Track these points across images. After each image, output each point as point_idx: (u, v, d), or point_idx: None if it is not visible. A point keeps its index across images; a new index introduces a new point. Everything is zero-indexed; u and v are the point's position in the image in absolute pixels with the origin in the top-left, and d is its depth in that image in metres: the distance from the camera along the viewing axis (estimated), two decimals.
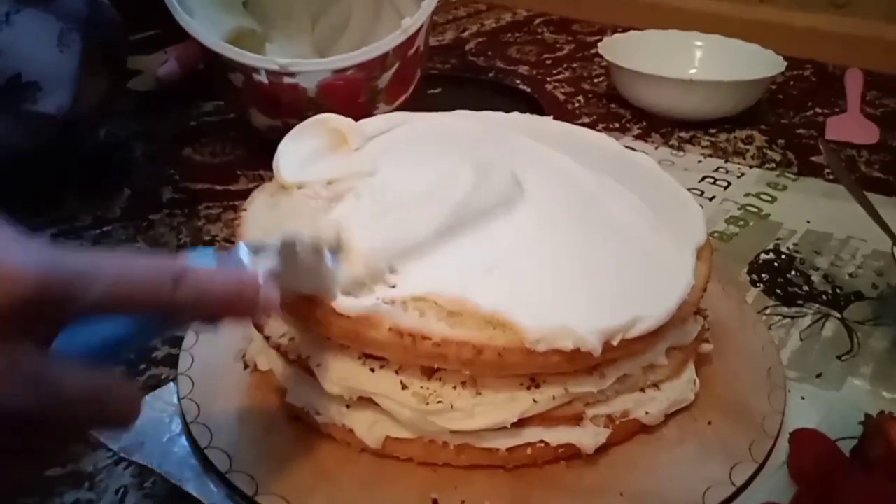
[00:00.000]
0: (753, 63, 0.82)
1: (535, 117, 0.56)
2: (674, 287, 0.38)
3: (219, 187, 0.68)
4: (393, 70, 0.68)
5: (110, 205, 0.64)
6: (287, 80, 0.65)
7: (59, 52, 0.61)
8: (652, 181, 0.48)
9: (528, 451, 0.37)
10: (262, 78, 0.65)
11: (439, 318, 0.34)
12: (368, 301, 0.34)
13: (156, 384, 0.44)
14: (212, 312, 0.30)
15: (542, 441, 0.37)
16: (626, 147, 0.53)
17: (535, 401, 0.36)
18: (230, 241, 0.59)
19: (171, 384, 0.44)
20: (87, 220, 0.62)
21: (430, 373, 0.36)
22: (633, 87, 0.82)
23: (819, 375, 0.46)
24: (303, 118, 0.67)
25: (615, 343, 0.35)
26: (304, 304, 0.35)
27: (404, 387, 0.36)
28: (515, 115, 0.56)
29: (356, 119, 0.67)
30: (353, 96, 0.68)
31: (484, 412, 0.36)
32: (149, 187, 0.67)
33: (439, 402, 0.35)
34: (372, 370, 0.36)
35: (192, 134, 0.78)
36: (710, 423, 0.41)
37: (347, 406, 0.38)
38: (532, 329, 0.33)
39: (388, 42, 0.66)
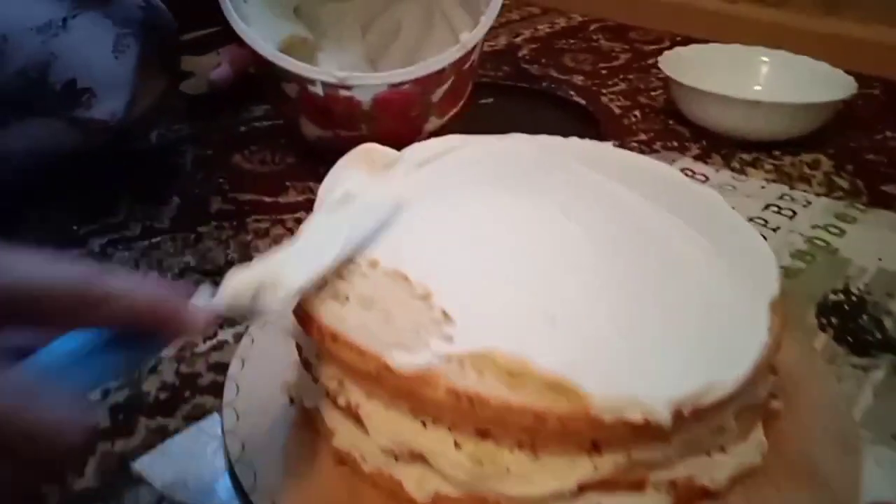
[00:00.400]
0: (822, 83, 0.78)
1: (596, 144, 0.54)
2: (748, 347, 0.36)
3: (267, 199, 0.67)
4: (447, 84, 0.66)
5: (160, 214, 0.63)
6: (342, 92, 0.63)
7: (114, 58, 0.60)
8: (721, 221, 0.45)
9: None
10: (318, 90, 0.64)
11: (499, 378, 0.33)
12: (424, 358, 0.33)
13: (200, 414, 0.43)
14: (133, 322, 0.29)
15: None
16: (686, 171, 0.50)
17: (595, 467, 0.34)
18: None
19: (216, 415, 0.43)
20: (137, 230, 0.61)
21: (485, 432, 0.34)
22: (695, 104, 0.78)
23: (895, 436, 0.43)
24: (355, 130, 0.66)
25: (686, 413, 0.33)
26: (356, 356, 0.34)
27: (458, 446, 0.34)
28: (574, 140, 0.53)
29: (407, 133, 0.67)
30: (407, 110, 0.66)
31: (542, 478, 0.34)
32: (198, 196, 0.66)
33: (494, 464, 0.34)
34: (424, 424, 0.35)
35: (241, 140, 0.77)
36: (778, 489, 0.39)
37: (396, 458, 0.36)
38: (598, 398, 0.31)
39: (446, 57, 0.64)
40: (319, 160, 0.72)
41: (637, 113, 0.87)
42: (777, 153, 0.77)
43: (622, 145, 0.78)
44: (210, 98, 0.83)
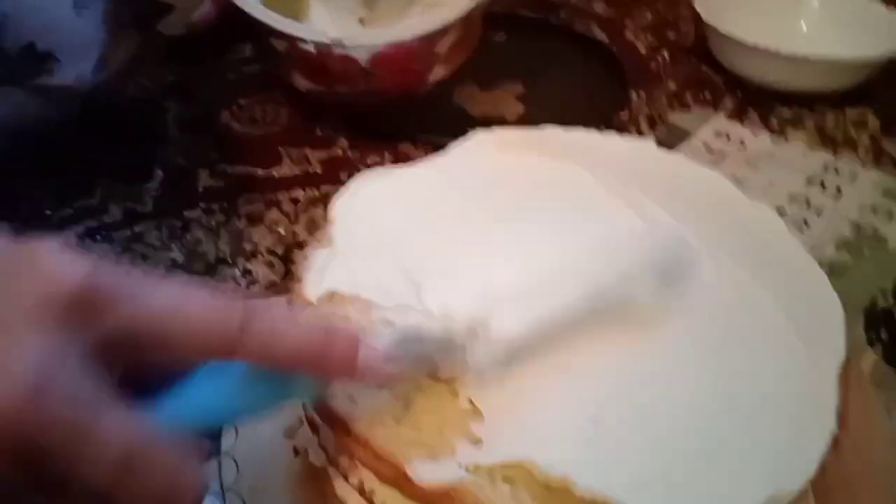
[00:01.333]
0: (875, 28, 0.70)
1: (636, 145, 0.47)
2: (815, 442, 0.31)
3: (260, 172, 0.60)
4: (454, 35, 0.59)
5: (141, 194, 0.58)
6: (337, 50, 0.56)
7: (76, 14, 0.52)
8: (780, 258, 0.40)
9: None
10: (309, 47, 0.57)
11: (533, 495, 0.28)
12: (450, 472, 0.28)
13: None
14: (290, 365, 0.26)
15: None
16: (721, 134, 0.44)
17: None
18: (274, 251, 0.53)
19: (214, 462, 0.39)
20: (117, 215, 0.56)
21: None
22: (731, 54, 0.71)
23: None
24: (353, 86, 0.59)
25: None
26: (371, 457, 0.30)
27: None
28: (614, 140, 0.47)
29: (411, 86, 0.60)
30: (409, 64, 0.59)
31: None
32: (183, 169, 0.60)
33: None
34: None
35: (229, 91, 0.70)
36: None
37: None
38: None
39: (453, 11, 0.56)
40: (315, 117, 0.66)
41: (665, 53, 0.79)
42: (819, 108, 0.70)
43: (650, 99, 0.71)
44: (192, 40, 0.74)
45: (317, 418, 0.34)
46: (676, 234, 0.37)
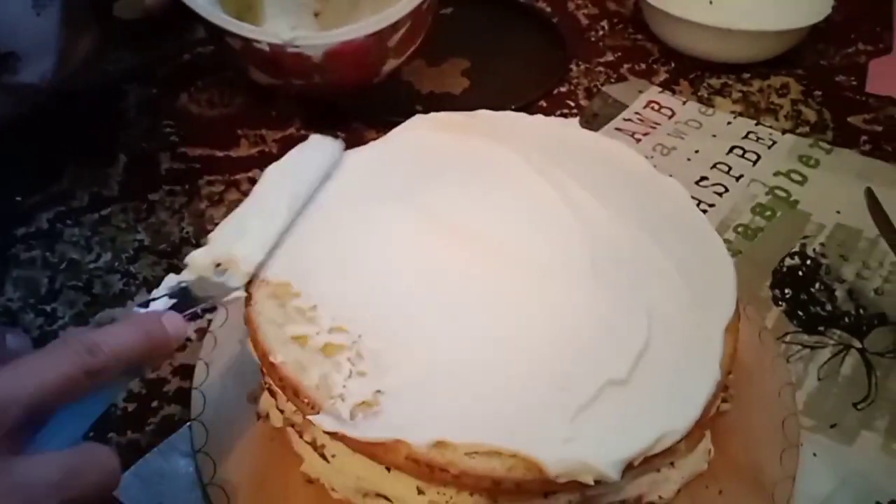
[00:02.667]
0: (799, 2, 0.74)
1: (561, 124, 0.51)
2: (700, 387, 0.37)
3: (219, 153, 0.64)
4: (405, 29, 0.62)
5: (107, 178, 0.61)
6: (290, 49, 0.59)
7: (35, 14, 0.55)
8: (682, 224, 0.45)
9: None
10: (264, 46, 0.60)
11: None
12: (386, 432, 0.33)
13: (169, 427, 0.44)
14: (136, 364, 0.33)
15: None
16: (653, 104, 0.49)
17: None
18: None
19: (186, 429, 0.44)
20: (85, 199, 0.59)
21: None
22: (665, 26, 0.75)
23: (833, 426, 0.45)
24: (308, 79, 0.62)
25: (636, 464, 0.34)
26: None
27: (420, 492, 0.36)
28: (539, 120, 0.51)
29: (364, 77, 0.63)
30: (361, 59, 0.62)
31: None
32: (146, 152, 0.64)
33: None
34: (388, 469, 0.36)
35: (187, 74, 0.73)
36: (721, 492, 0.41)
37: (364, 495, 0.38)
38: (552, 465, 0.33)
39: (402, 8, 0.59)
40: (270, 99, 0.69)
41: (605, 24, 0.82)
42: (747, 76, 0.74)
43: (589, 68, 0.75)
44: (149, 23, 0.76)
45: (274, 385, 0.38)
46: None
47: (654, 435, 0.34)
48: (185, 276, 0.38)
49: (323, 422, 0.34)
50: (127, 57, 0.74)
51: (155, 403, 0.46)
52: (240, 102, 0.70)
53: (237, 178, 0.61)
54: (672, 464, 0.40)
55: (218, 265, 0.39)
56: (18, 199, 0.59)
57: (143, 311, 0.35)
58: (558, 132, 0.50)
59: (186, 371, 0.46)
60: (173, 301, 0.36)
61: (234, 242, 0.39)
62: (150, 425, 0.45)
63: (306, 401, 0.35)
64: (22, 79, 0.55)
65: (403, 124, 0.50)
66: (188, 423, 0.43)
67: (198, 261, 0.38)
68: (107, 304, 0.52)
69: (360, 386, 0.35)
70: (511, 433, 0.34)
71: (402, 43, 0.64)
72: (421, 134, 0.49)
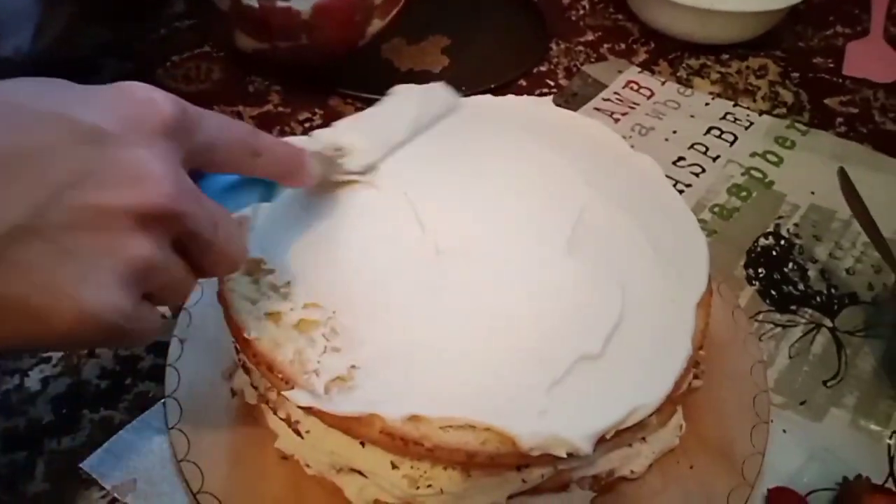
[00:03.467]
0: None
1: (535, 103, 0.51)
2: (672, 361, 0.37)
3: None
4: None
5: None
6: (280, 3, 0.58)
7: None
8: (656, 201, 0.45)
9: None
10: (253, 3, 0.59)
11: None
12: (360, 406, 0.33)
13: (143, 404, 0.44)
14: (276, 173, 0.35)
15: None
16: (632, 84, 0.49)
17: (524, 481, 0.36)
18: None
19: (159, 405, 0.44)
20: None
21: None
22: (645, 6, 0.75)
23: (803, 403, 0.46)
24: (295, 40, 0.62)
25: (609, 437, 0.35)
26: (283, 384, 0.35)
27: (395, 466, 0.36)
28: (511, 100, 0.51)
29: (349, 39, 0.63)
30: (349, 16, 0.62)
31: (473, 495, 0.36)
32: None
33: (429, 485, 0.36)
34: (362, 444, 0.36)
35: (164, 48, 0.72)
36: (692, 466, 0.42)
37: (338, 470, 0.38)
38: (526, 438, 0.33)
39: None
40: (247, 74, 0.68)
41: (585, 4, 0.82)
42: (725, 57, 0.75)
43: (569, 47, 0.75)
44: None
45: (248, 361, 0.38)
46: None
47: (627, 409, 0.35)
48: (309, 145, 0.38)
49: (297, 397, 0.34)
50: (104, 32, 0.72)
51: (129, 380, 0.45)
52: (217, 78, 0.69)
53: None
54: (643, 439, 0.41)
55: (337, 150, 0.40)
56: None
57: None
58: (533, 110, 0.50)
59: (161, 348, 0.46)
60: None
61: (357, 135, 0.41)
62: (124, 402, 0.44)
63: (280, 376, 0.35)
64: None
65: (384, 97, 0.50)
66: (162, 400, 0.43)
67: (321, 137, 0.39)
68: None
69: (334, 361, 0.35)
70: (485, 407, 0.34)
71: (387, 2, 0.63)
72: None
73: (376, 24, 0.65)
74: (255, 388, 0.40)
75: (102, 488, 0.40)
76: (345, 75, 0.67)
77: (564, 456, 0.33)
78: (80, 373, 0.46)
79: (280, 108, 0.66)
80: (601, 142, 0.48)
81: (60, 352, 0.46)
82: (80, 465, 0.41)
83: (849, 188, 0.49)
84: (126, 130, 0.27)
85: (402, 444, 0.33)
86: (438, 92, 0.47)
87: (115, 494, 0.40)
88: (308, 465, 0.39)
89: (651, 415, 0.36)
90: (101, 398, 0.44)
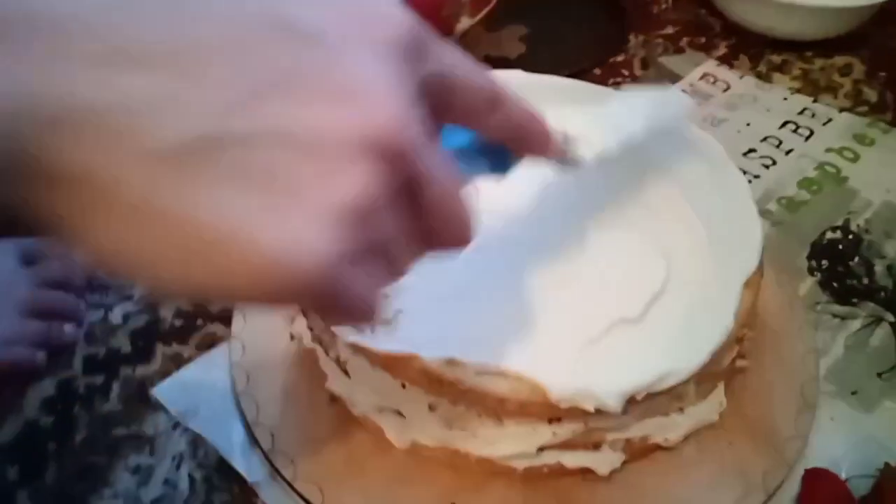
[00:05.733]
0: None
1: (592, 87, 0.52)
2: (711, 334, 0.38)
3: None
4: None
5: None
6: None
7: None
8: (716, 181, 0.45)
9: (545, 469, 0.39)
10: None
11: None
12: (402, 345, 0.35)
13: (211, 343, 0.47)
14: (514, 137, 0.29)
15: (558, 462, 0.39)
16: (708, 76, 0.49)
17: (554, 434, 0.37)
18: None
19: (226, 344, 0.47)
20: None
21: (456, 399, 0.38)
22: (728, 2, 0.74)
23: (854, 393, 0.45)
24: None
25: (639, 398, 0.35)
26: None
27: (432, 408, 0.38)
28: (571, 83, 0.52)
29: (439, 33, 0.65)
30: (436, 8, 0.64)
31: (505, 442, 0.38)
32: None
33: (463, 428, 0.37)
34: (403, 386, 0.38)
35: None
36: (730, 443, 0.42)
37: (380, 410, 0.40)
38: (556, 388, 0.34)
39: None
40: None
41: None
42: (809, 54, 0.73)
43: (647, 40, 0.75)
44: None
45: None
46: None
47: (658, 372, 0.35)
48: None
49: (345, 333, 0.36)
50: None
51: (200, 321, 0.49)
52: None
53: None
54: (681, 409, 0.41)
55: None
56: None
57: None
58: (596, 92, 0.51)
59: None
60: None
61: (587, 122, 0.37)
62: (195, 339, 0.48)
63: None
64: None
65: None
66: (228, 341, 0.47)
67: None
68: None
69: (382, 305, 0.37)
70: (519, 358, 0.35)
71: (476, 1, 0.66)
72: None
73: (465, 22, 0.67)
74: (311, 329, 0.43)
75: (168, 413, 0.44)
76: None
77: (592, 410, 0.34)
78: (158, 312, 0.49)
79: None
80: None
81: (257, 306, 0.32)
82: (151, 391, 0.45)
83: None
84: (353, 36, 0.21)
85: (437, 384, 0.35)
86: (672, 95, 0.45)
87: (179, 419, 0.43)
88: (354, 406, 0.42)
89: (685, 382, 0.37)
90: (174, 334, 0.48)
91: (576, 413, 0.35)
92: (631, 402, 0.35)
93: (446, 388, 0.35)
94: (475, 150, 0.29)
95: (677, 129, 0.44)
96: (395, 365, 0.36)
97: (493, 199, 0.41)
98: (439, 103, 0.25)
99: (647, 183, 0.44)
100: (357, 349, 0.37)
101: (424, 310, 0.37)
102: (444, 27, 0.66)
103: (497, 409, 0.36)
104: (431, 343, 0.36)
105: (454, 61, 0.25)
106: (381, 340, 0.36)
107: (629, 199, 0.43)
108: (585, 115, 0.37)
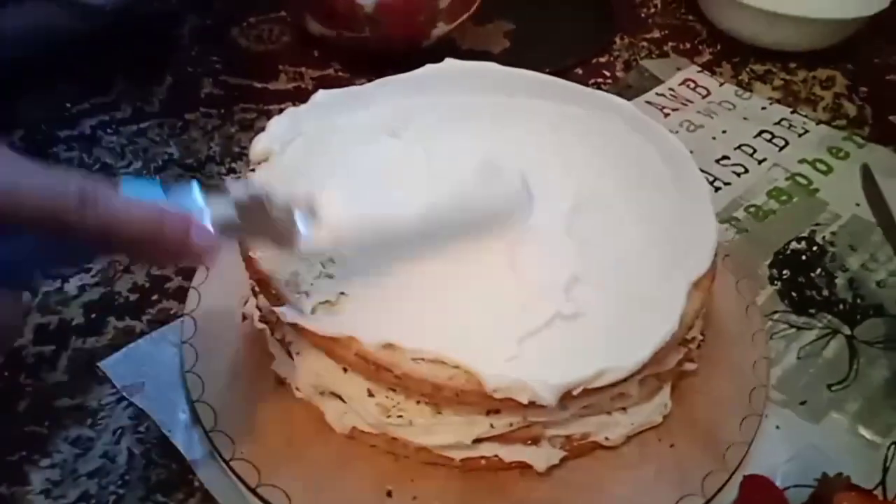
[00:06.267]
0: None
1: (549, 79, 0.52)
2: (654, 334, 0.37)
3: (258, 84, 0.67)
4: None
5: (151, 95, 0.65)
6: None
7: None
8: (677, 184, 0.45)
9: (483, 461, 0.39)
10: None
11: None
12: (341, 328, 0.35)
13: (164, 319, 0.47)
14: (125, 248, 0.29)
15: (496, 455, 0.39)
16: (688, 82, 0.56)
17: (492, 426, 0.37)
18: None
19: (178, 322, 0.47)
20: (128, 112, 0.63)
21: (394, 385, 0.37)
22: (714, 8, 0.74)
23: (803, 403, 0.45)
24: (359, 31, 0.65)
25: (576, 393, 0.35)
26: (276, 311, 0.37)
27: (371, 394, 0.38)
28: (524, 73, 0.52)
29: (413, 37, 0.65)
30: (412, 15, 0.64)
31: (441, 431, 0.38)
32: (190, 76, 0.67)
33: (400, 416, 0.37)
34: (345, 370, 0.38)
35: (243, 9, 0.76)
36: (672, 445, 0.42)
37: (321, 393, 0.40)
38: (491, 379, 0.34)
39: None
40: (316, 44, 0.71)
41: (658, 2, 0.82)
42: (793, 65, 0.73)
43: (633, 42, 0.75)
44: None
45: (255, 285, 0.41)
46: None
47: (594, 368, 0.35)
48: (270, 195, 0.33)
49: (285, 313, 0.36)
50: None
51: (155, 297, 0.49)
52: (286, 41, 0.73)
53: (269, 109, 0.64)
54: (624, 409, 0.41)
55: (310, 208, 0.35)
56: (68, 104, 0.63)
57: (199, 201, 0.30)
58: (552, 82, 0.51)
59: (190, 273, 0.49)
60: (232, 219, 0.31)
61: (342, 201, 0.38)
62: (148, 315, 0.48)
63: (274, 293, 0.37)
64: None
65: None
66: (180, 318, 0.47)
67: (293, 194, 0.34)
68: None
69: (325, 286, 0.37)
70: (457, 346, 0.35)
71: (454, 7, 0.65)
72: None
73: (442, 27, 0.67)
74: (259, 309, 0.43)
75: (114, 386, 0.44)
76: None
77: (526, 403, 0.34)
78: (114, 285, 0.49)
79: (340, 73, 0.69)
80: (631, 117, 0.49)
81: None
82: (98, 364, 0.44)
83: (871, 186, 0.48)
84: None
85: (374, 368, 0.35)
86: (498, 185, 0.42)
87: (124, 393, 0.43)
88: (297, 389, 0.41)
89: (626, 381, 0.37)
90: (127, 309, 0.48)
91: (513, 405, 0.35)
92: (567, 397, 0.35)
93: (383, 374, 0.35)
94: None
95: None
96: (333, 347, 0.36)
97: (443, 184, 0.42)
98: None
99: (603, 178, 0.44)
100: (298, 330, 0.37)
101: (367, 294, 0.37)
102: (421, 33, 0.66)
103: (434, 396, 0.36)
104: (370, 326, 0.36)
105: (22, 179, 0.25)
106: (320, 322, 0.36)
107: (583, 194, 0.43)
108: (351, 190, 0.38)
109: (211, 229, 0.30)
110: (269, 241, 0.35)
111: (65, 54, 0.63)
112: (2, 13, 0.58)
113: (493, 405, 0.36)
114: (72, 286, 0.49)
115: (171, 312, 0.48)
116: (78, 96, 0.64)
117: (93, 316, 0.48)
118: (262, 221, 0.32)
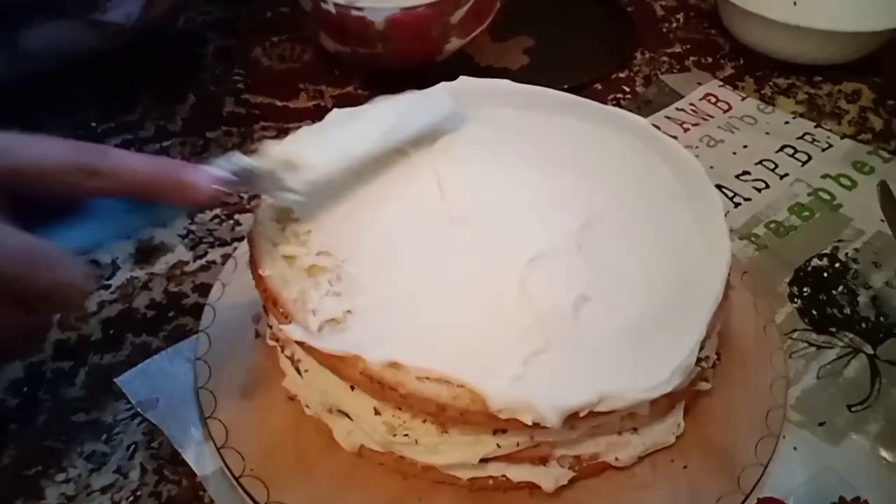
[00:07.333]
0: (882, 3, 0.71)
1: (561, 95, 0.52)
2: (664, 356, 0.37)
3: (279, 103, 0.68)
4: (467, 6, 0.64)
5: (174, 114, 0.66)
6: (354, 12, 0.62)
7: None
8: (692, 202, 0.44)
9: (490, 482, 0.39)
10: (330, 7, 0.63)
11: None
12: (346, 346, 0.35)
13: (180, 335, 0.48)
14: (136, 190, 0.32)
15: (503, 475, 0.39)
16: (709, 96, 0.55)
17: (498, 445, 0.37)
18: None
19: (194, 338, 0.47)
20: (151, 131, 0.64)
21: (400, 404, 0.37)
22: (737, 22, 0.73)
23: (822, 424, 0.44)
24: (372, 48, 0.65)
25: (583, 415, 0.35)
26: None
27: (377, 412, 0.38)
28: (536, 90, 0.52)
29: (427, 53, 0.65)
30: (424, 31, 0.64)
31: (447, 450, 0.37)
32: (213, 94, 0.68)
33: (406, 434, 0.37)
34: (352, 388, 0.38)
35: (265, 29, 0.77)
36: (685, 466, 0.41)
37: (329, 411, 0.40)
38: (496, 398, 0.34)
39: None
40: (336, 62, 0.72)
41: (680, 16, 0.81)
42: (818, 79, 0.72)
43: (654, 57, 0.75)
44: None
45: (262, 298, 0.41)
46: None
47: (601, 391, 0.35)
48: (254, 162, 0.38)
49: (292, 331, 0.37)
50: (214, 10, 0.79)
51: (172, 313, 0.50)
52: (307, 60, 0.74)
53: (290, 127, 0.65)
54: (635, 429, 0.40)
55: (288, 163, 0.39)
56: (93, 124, 0.64)
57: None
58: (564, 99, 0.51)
59: (206, 289, 0.50)
60: (232, 178, 0.37)
61: (311, 148, 0.40)
62: (164, 331, 0.49)
63: (282, 311, 0.38)
64: (109, 17, 0.60)
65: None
66: (196, 334, 0.47)
67: (271, 152, 0.39)
68: None
69: (332, 304, 0.38)
70: (462, 366, 0.35)
71: (467, 22, 0.66)
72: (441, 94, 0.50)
73: (455, 43, 0.67)
74: (270, 327, 0.43)
75: (129, 402, 0.44)
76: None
77: (530, 423, 0.34)
78: (132, 301, 0.50)
79: (360, 91, 0.70)
80: (645, 134, 0.48)
81: None
82: (115, 380, 0.45)
83: (889, 203, 0.47)
84: None
85: (379, 387, 0.35)
86: (430, 99, 0.46)
87: (139, 409, 0.44)
88: (307, 406, 0.42)
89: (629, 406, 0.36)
90: (145, 325, 0.49)
91: (520, 425, 0.35)
92: (574, 417, 0.35)
93: (388, 392, 0.35)
94: (126, 210, 0.34)
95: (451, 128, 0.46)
96: (339, 365, 0.36)
97: (458, 208, 0.42)
98: (19, 189, 0.30)
99: (617, 195, 0.43)
100: (305, 348, 0.37)
101: (373, 312, 0.37)
102: (434, 48, 0.67)
103: (439, 416, 0.36)
104: (376, 344, 0.36)
105: (22, 152, 0.30)
106: (326, 340, 0.36)
107: (595, 212, 0.42)
108: (314, 140, 0.41)
109: (211, 174, 0.36)
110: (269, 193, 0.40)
111: (88, 73, 0.64)
112: (25, 32, 0.59)
113: (498, 425, 0.36)
114: (91, 303, 0.50)
115: (188, 329, 0.49)
116: (102, 115, 0.65)
117: (111, 332, 0.48)
118: (254, 184, 0.39)
